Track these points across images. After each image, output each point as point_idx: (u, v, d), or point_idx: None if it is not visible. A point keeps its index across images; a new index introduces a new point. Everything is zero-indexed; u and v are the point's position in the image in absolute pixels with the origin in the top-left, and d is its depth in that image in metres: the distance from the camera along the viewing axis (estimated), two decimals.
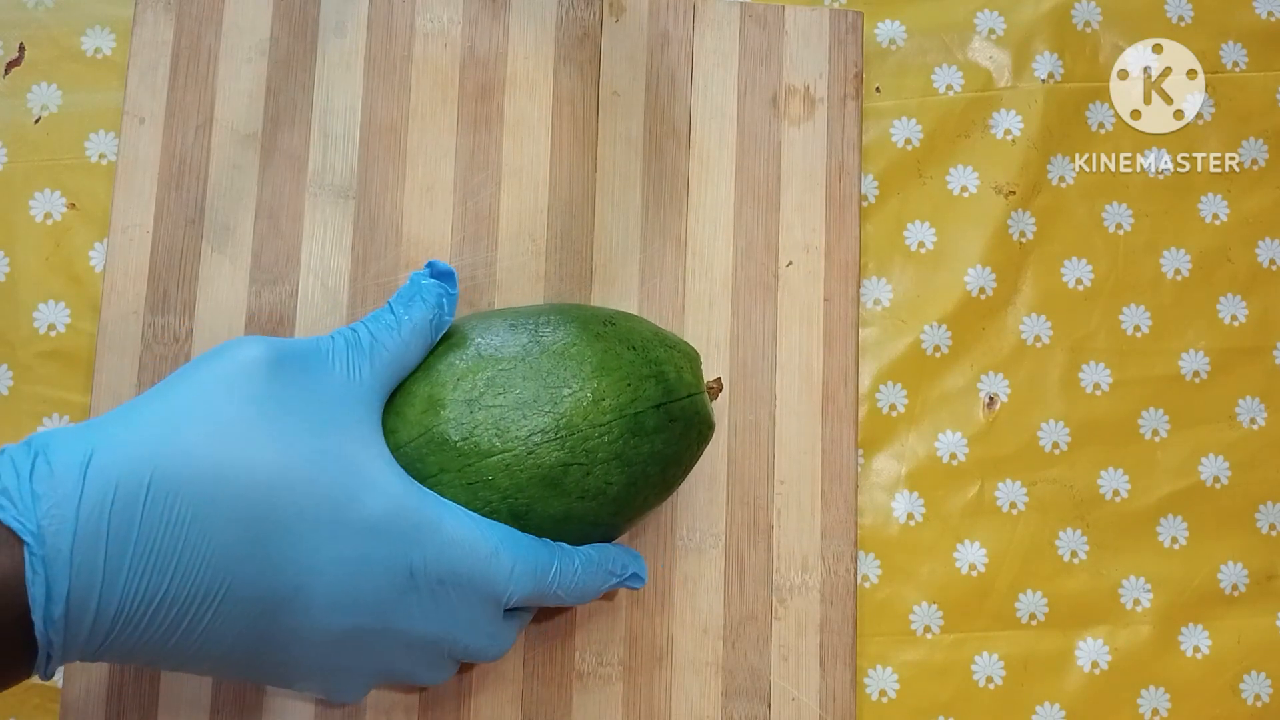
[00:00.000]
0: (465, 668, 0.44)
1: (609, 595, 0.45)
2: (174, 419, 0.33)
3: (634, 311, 0.47)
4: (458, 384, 0.38)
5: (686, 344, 0.42)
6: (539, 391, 0.38)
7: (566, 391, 0.38)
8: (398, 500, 0.35)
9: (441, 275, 0.39)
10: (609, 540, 0.41)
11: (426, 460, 0.37)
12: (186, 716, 0.43)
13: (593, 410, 0.38)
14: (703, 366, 0.43)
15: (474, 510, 0.37)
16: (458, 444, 0.37)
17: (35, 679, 0.33)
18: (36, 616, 0.30)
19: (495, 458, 0.37)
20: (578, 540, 0.39)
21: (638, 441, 0.38)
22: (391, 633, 0.35)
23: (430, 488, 0.37)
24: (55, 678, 0.43)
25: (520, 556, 0.37)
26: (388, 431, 0.37)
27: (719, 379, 0.43)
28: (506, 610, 0.39)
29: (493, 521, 0.37)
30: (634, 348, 0.39)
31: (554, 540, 0.38)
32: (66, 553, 0.30)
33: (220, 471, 0.32)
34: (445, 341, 0.39)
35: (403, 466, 0.37)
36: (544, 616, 0.45)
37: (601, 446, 0.38)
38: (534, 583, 0.37)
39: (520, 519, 0.37)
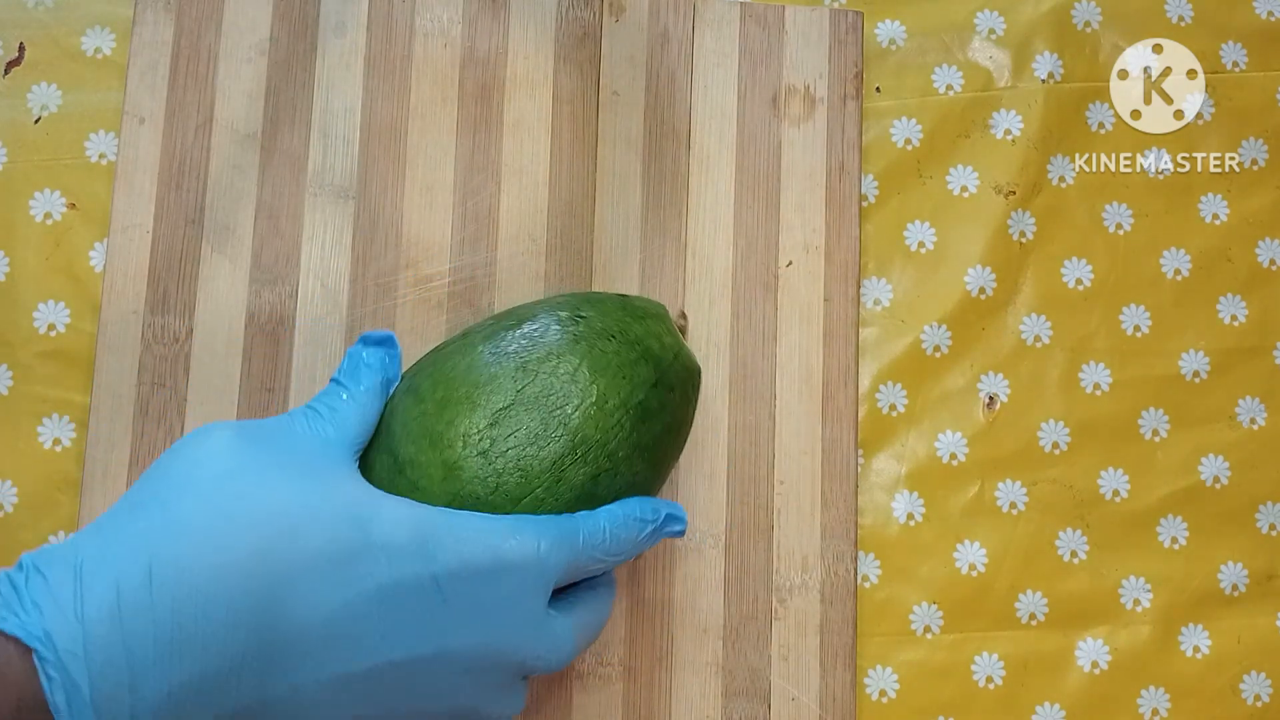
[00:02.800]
0: None
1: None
2: (158, 504, 0.32)
3: None
4: (466, 441, 0.37)
5: (650, 303, 0.42)
6: (545, 419, 0.37)
7: (570, 409, 0.37)
8: (400, 519, 0.34)
9: (380, 342, 0.39)
10: None
11: None
12: None
13: (601, 416, 0.38)
14: (668, 313, 0.43)
15: None
16: (488, 498, 0.36)
17: None
18: None
19: (528, 498, 0.37)
20: None
21: (648, 425, 0.38)
22: (437, 659, 0.34)
23: None
24: None
25: (543, 533, 0.36)
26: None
27: (683, 313, 0.43)
28: (555, 602, 0.37)
29: (501, 515, 0.36)
30: (613, 336, 0.39)
31: None
32: (80, 654, 0.29)
33: (219, 539, 0.32)
34: (434, 387, 0.38)
35: None
36: None
37: (621, 445, 0.38)
38: (567, 552, 0.36)
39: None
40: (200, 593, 0.31)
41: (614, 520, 0.38)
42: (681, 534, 0.40)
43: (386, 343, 0.39)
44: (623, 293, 0.42)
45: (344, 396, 0.38)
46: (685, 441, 0.42)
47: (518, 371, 0.38)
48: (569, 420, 0.37)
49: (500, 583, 0.35)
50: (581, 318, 0.40)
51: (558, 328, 0.39)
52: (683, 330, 0.43)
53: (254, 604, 0.31)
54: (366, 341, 0.39)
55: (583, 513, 0.38)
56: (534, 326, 0.39)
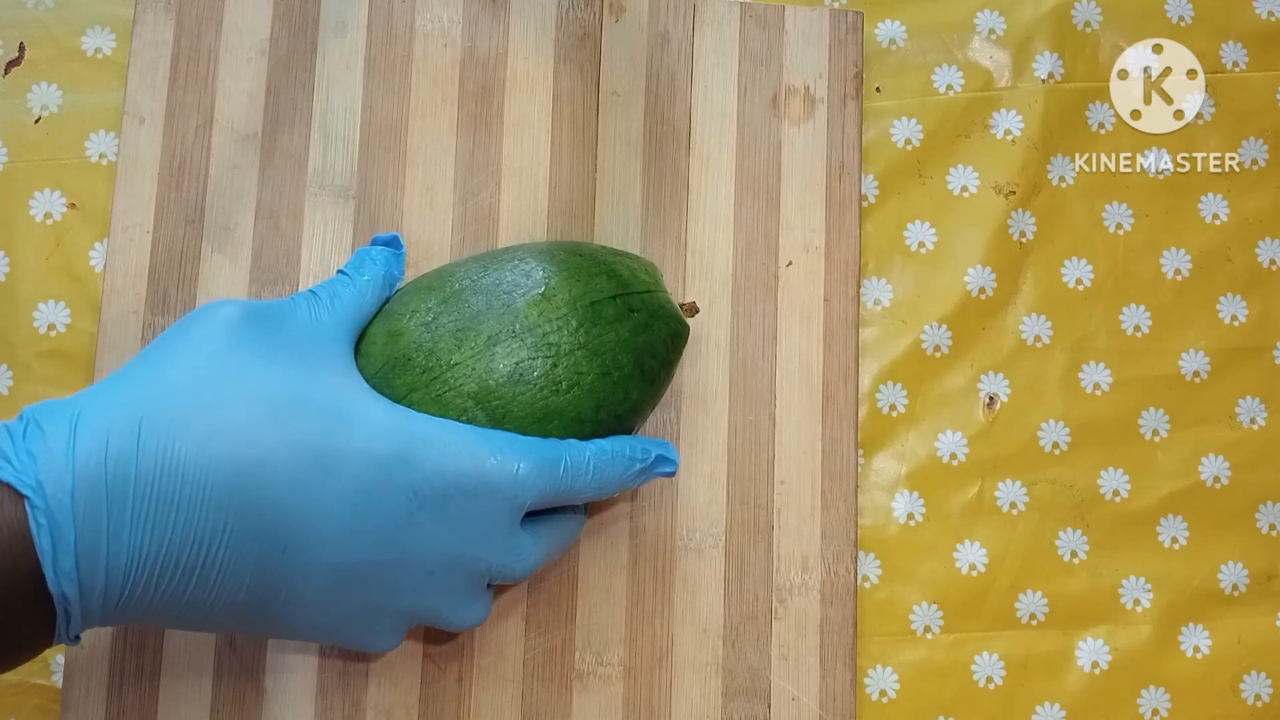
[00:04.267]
0: (464, 667, 0.44)
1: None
2: (159, 370, 0.34)
3: None
4: (413, 314, 0.39)
5: (645, 259, 0.43)
6: (491, 301, 0.38)
7: (519, 294, 0.38)
8: (389, 422, 0.35)
9: (386, 242, 0.42)
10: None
11: (394, 384, 0.37)
12: (186, 716, 0.43)
13: (546, 306, 0.38)
14: (676, 297, 0.44)
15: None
16: (421, 361, 0.38)
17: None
18: (47, 569, 0.31)
19: (459, 366, 0.37)
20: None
21: (600, 330, 0.39)
22: (406, 560, 0.36)
23: None
24: (55, 677, 0.43)
25: (524, 456, 0.37)
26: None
27: (694, 302, 0.43)
28: (528, 520, 0.38)
29: (491, 430, 0.37)
30: (581, 254, 0.40)
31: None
32: (68, 502, 0.31)
33: (210, 411, 0.33)
34: (396, 293, 0.41)
35: None
36: (543, 614, 0.45)
37: (563, 339, 0.38)
38: (544, 480, 0.37)
39: (500, 423, 0.38)
40: (183, 455, 0.32)
41: (601, 455, 0.39)
42: (672, 474, 0.41)
43: (392, 242, 0.42)
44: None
45: (348, 284, 0.39)
46: (657, 377, 0.41)
47: (479, 267, 0.40)
48: (514, 304, 0.38)
49: (474, 499, 0.36)
50: (561, 247, 0.41)
51: (531, 246, 0.41)
52: (687, 311, 0.43)
53: (230, 478, 0.32)
54: (375, 242, 0.42)
55: (570, 441, 0.38)
56: (508, 248, 0.41)
